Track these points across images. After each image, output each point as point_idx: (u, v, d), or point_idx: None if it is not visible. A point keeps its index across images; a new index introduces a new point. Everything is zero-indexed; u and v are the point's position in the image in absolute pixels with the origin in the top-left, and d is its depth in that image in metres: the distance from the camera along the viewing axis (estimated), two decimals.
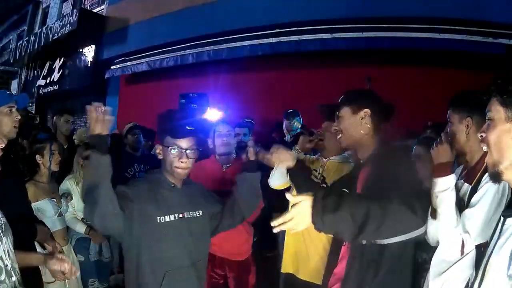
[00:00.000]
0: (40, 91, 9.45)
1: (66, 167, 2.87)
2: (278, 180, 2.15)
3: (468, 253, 1.42)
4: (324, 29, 4.59)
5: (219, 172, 2.56)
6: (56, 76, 8.84)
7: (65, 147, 3.40)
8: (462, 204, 1.46)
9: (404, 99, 3.66)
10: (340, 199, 1.26)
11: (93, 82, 7.72)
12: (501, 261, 0.85)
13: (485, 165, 1.41)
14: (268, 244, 3.43)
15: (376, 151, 1.54)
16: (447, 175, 1.43)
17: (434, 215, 1.50)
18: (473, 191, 1.46)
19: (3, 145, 1.32)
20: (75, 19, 7.39)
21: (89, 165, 1.46)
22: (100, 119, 1.43)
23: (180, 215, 1.69)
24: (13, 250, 1.35)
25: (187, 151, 1.66)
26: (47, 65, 9.31)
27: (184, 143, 1.66)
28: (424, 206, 1.32)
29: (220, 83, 5.07)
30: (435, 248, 1.57)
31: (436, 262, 1.53)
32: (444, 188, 1.42)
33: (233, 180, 1.90)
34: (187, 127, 1.69)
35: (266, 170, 2.07)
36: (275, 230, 1.28)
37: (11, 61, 10.20)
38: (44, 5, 10.55)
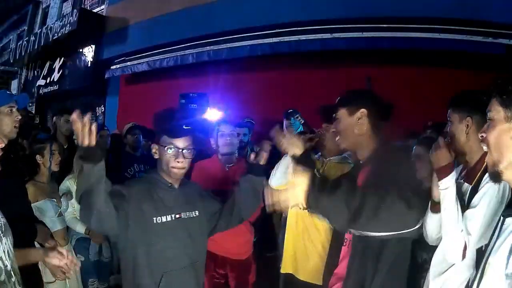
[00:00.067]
0: (40, 91, 9.45)
1: (66, 167, 2.86)
2: (279, 180, 2.15)
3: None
4: (324, 29, 4.59)
5: (222, 172, 2.56)
6: (56, 76, 8.84)
7: (65, 147, 3.39)
8: (462, 204, 1.46)
9: (404, 99, 3.66)
10: (339, 184, 1.24)
11: (93, 82, 7.72)
12: (499, 260, 0.85)
13: (485, 165, 1.41)
14: (268, 245, 3.44)
15: (376, 151, 1.53)
16: (448, 175, 1.44)
17: (434, 209, 1.50)
18: (473, 191, 1.47)
19: (3, 145, 1.32)
20: (75, 19, 7.39)
21: (82, 175, 1.41)
22: (85, 131, 1.35)
23: (177, 216, 1.67)
24: (13, 250, 1.35)
25: (184, 151, 1.64)
26: (47, 65, 9.31)
27: (181, 142, 1.64)
28: (419, 208, 1.30)
29: (220, 83, 5.06)
30: (435, 248, 1.57)
31: (436, 262, 1.53)
32: (446, 187, 1.42)
33: (236, 180, 1.89)
34: (184, 127, 1.68)
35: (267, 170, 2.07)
36: (267, 203, 1.26)
37: (11, 61, 10.19)
38: (44, 5, 10.55)
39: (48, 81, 9.14)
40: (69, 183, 2.89)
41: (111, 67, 7.31)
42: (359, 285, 1.43)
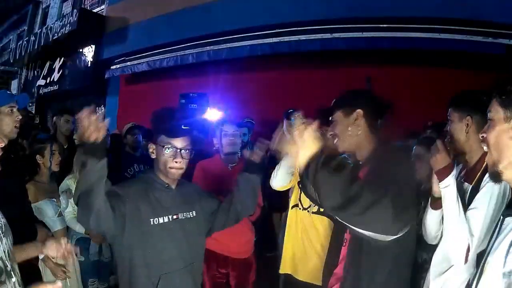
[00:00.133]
0: (40, 91, 9.46)
1: (66, 167, 2.86)
2: (281, 181, 2.15)
3: None
4: (324, 29, 4.59)
5: (225, 171, 2.56)
6: (56, 76, 8.85)
7: (65, 147, 3.40)
8: (462, 203, 1.46)
9: (404, 99, 3.66)
10: (342, 167, 1.20)
11: (93, 82, 7.73)
12: (498, 259, 0.86)
13: (485, 164, 1.41)
14: (268, 245, 3.44)
15: (375, 151, 1.51)
16: (448, 175, 1.44)
17: (434, 206, 1.50)
18: (474, 190, 1.47)
19: (3, 145, 1.32)
20: (75, 19, 7.39)
21: (85, 171, 1.38)
22: (96, 126, 1.32)
23: (174, 216, 1.64)
24: (13, 250, 1.35)
25: (182, 151, 1.61)
26: (47, 65, 9.32)
27: (179, 142, 1.61)
28: (407, 219, 1.25)
29: (220, 83, 5.06)
30: (435, 248, 1.57)
31: (436, 262, 1.54)
32: (446, 185, 1.43)
33: None
34: (183, 127, 1.64)
35: (267, 170, 2.07)
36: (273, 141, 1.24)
37: (11, 61, 10.20)
38: (44, 5, 10.56)
39: (48, 81, 9.15)
40: (69, 183, 2.89)
41: (111, 67, 7.32)
42: (356, 286, 1.43)
